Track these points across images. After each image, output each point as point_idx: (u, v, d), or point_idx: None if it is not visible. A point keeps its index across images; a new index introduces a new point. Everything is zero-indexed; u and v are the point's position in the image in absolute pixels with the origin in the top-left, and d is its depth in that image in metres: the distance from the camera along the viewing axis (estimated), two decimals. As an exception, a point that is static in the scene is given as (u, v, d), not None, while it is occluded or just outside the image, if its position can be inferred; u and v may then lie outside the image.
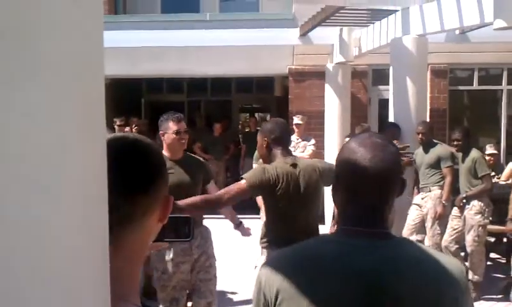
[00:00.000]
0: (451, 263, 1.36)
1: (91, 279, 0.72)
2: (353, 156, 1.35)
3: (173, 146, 3.93)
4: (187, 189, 3.71)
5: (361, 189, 1.36)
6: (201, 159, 4.50)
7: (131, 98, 12.39)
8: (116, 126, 9.61)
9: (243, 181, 3.28)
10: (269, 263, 1.44)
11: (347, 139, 5.43)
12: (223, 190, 3.41)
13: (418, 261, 1.32)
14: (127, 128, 9.58)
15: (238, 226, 4.30)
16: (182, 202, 3.16)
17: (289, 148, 3.60)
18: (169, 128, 3.94)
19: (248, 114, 15.09)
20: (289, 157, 3.44)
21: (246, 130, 12.80)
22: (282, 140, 3.47)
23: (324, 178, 3.40)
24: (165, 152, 3.92)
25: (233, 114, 14.07)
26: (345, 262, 1.31)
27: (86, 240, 0.70)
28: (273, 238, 3.39)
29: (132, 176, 0.97)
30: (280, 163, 3.35)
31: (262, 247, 3.51)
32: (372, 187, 1.35)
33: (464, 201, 5.83)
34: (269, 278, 1.35)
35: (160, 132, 4.01)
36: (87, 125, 0.70)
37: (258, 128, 11.09)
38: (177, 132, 3.92)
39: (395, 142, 6.47)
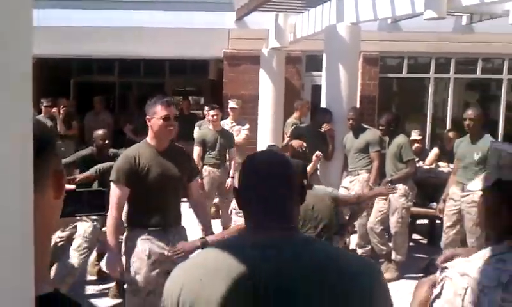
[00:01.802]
0: (358, 261, 1.41)
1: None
2: (257, 168, 1.49)
3: (159, 134, 3.47)
4: (172, 182, 3.52)
5: (258, 197, 1.44)
6: (187, 152, 4.00)
7: (60, 78, 11.97)
8: (42, 107, 9.28)
9: None
10: (171, 276, 1.46)
11: (351, 113, 5.38)
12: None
13: (320, 261, 1.33)
14: (54, 109, 9.27)
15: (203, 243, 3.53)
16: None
17: None
18: (157, 113, 3.45)
19: (181, 97, 14.93)
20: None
21: (179, 112, 12.66)
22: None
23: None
24: (150, 140, 3.54)
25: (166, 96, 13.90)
26: (241, 262, 1.32)
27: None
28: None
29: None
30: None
31: None
32: (267, 194, 1.43)
33: (389, 184, 6.02)
34: (172, 286, 1.40)
35: (147, 117, 3.52)
36: (12, 106, 0.68)
37: (192, 111, 11.01)
38: (165, 118, 3.43)
39: (325, 126, 6.64)
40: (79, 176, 5.26)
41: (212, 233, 3.74)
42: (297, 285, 1.27)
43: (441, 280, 1.54)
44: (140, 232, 3.49)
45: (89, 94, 11.32)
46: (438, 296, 1.53)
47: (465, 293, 1.45)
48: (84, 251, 4.89)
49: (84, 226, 4.85)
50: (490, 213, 1.58)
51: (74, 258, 4.90)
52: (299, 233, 1.45)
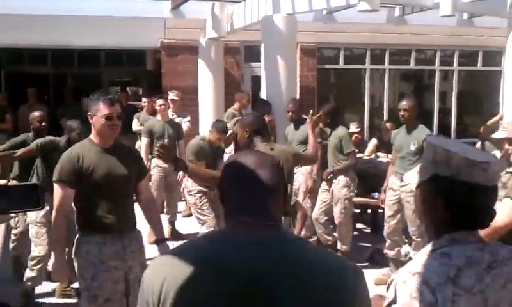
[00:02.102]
0: (339, 260, 1.41)
1: None
2: (237, 162, 1.47)
3: (102, 133, 3.27)
4: (119, 182, 3.32)
5: (247, 186, 1.42)
6: (136, 149, 3.96)
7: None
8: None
9: None
10: (151, 265, 1.42)
11: (291, 105, 5.61)
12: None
13: (306, 259, 1.33)
14: (-16, 102, 8.87)
15: (159, 242, 3.60)
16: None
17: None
18: (99, 111, 3.23)
19: (119, 88, 14.58)
20: (269, 144, 4.02)
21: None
22: (262, 130, 4.00)
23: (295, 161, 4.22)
24: (93, 138, 3.33)
25: (103, 87, 13.51)
26: (223, 260, 1.31)
27: None
28: None
29: None
30: (262, 148, 3.77)
31: None
32: (257, 183, 1.41)
33: (331, 175, 6.10)
34: (153, 276, 1.36)
35: (89, 113, 3.31)
36: None
37: (130, 102, 10.77)
38: (108, 117, 3.23)
39: (266, 117, 6.63)
40: (20, 151, 5.06)
41: (163, 235, 3.62)
42: (282, 284, 1.26)
43: (391, 282, 1.54)
44: (92, 237, 3.29)
45: (22, 86, 10.87)
46: (394, 301, 1.50)
47: (421, 295, 1.46)
48: (44, 235, 4.86)
49: (34, 213, 4.73)
50: (427, 206, 1.61)
51: (38, 246, 4.88)
52: (283, 231, 1.43)
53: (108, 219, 3.29)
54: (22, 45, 10.38)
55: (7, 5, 8.79)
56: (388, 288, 1.55)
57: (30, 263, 4.92)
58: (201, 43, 9.42)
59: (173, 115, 7.99)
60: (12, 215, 1.16)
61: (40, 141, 5.05)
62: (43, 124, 5.44)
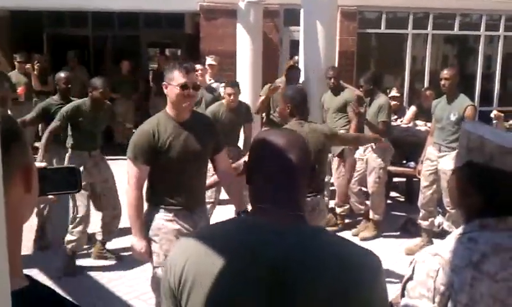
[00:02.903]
0: (360, 253, 1.38)
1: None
2: (263, 147, 1.45)
3: (177, 104, 3.09)
4: (194, 159, 3.18)
5: (268, 173, 1.41)
6: (213, 123, 3.58)
7: (32, 32, 11.64)
8: (16, 63, 9.05)
9: None
10: (176, 246, 1.44)
11: (331, 72, 5.77)
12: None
13: (326, 251, 1.33)
14: (28, 65, 9.04)
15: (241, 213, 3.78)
16: None
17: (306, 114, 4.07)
18: (174, 80, 3.04)
19: (157, 49, 14.63)
20: (301, 122, 3.93)
21: (155, 68, 12.46)
22: (302, 106, 3.99)
23: (329, 141, 4.04)
24: (168, 110, 3.16)
25: (141, 50, 13.62)
26: (247, 245, 1.31)
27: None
28: None
29: None
30: (294, 126, 3.81)
31: None
32: (285, 172, 1.40)
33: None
34: (176, 257, 1.36)
35: (163, 83, 3.12)
36: None
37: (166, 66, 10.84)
38: (183, 86, 3.03)
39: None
40: (46, 132, 5.07)
41: (242, 207, 3.35)
42: (301, 274, 1.27)
43: (411, 263, 1.56)
44: (164, 212, 3.18)
45: (63, 48, 11.06)
46: (411, 278, 1.53)
47: (437, 275, 1.47)
48: (85, 195, 5.01)
49: None
50: (460, 192, 1.60)
51: (78, 206, 5.00)
52: (306, 221, 1.41)
53: (180, 196, 3.17)
54: (63, 7, 10.49)
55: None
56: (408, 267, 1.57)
57: (70, 226, 5.00)
58: (240, 6, 9.33)
59: (210, 80, 8.00)
60: (50, 196, 1.19)
61: (63, 111, 4.98)
62: (69, 85, 5.51)
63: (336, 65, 8.45)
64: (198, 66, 7.16)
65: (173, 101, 3.10)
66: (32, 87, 8.91)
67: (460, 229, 1.57)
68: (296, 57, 7.61)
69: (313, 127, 4.00)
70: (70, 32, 12.81)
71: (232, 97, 6.07)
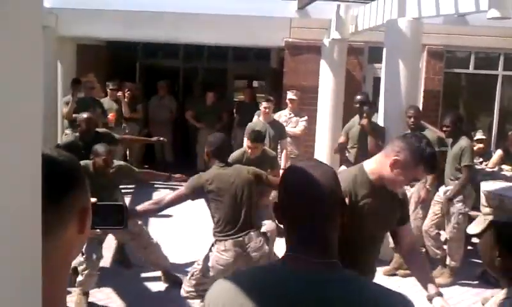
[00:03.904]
0: (395, 301, 1.36)
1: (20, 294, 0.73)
2: (293, 186, 1.41)
3: (396, 185, 2.62)
4: (381, 228, 2.78)
5: (303, 218, 1.38)
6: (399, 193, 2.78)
7: (126, 61, 12.32)
8: (108, 90, 9.60)
9: (183, 188, 4.17)
10: (214, 288, 1.45)
11: (358, 97, 5.83)
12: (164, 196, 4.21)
13: (364, 298, 1.32)
14: (120, 93, 9.56)
15: (169, 178, 5.09)
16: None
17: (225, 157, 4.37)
18: (416, 170, 2.56)
19: (246, 81, 14.92)
20: (223, 164, 4.24)
21: (240, 99, 12.76)
22: (219, 151, 4.27)
23: (253, 179, 4.22)
24: (374, 172, 2.61)
25: (228, 82, 14.01)
26: (281, 293, 1.31)
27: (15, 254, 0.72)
28: (217, 231, 4.15)
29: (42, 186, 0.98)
30: (214, 168, 4.21)
31: (214, 238, 4.21)
32: (313, 215, 1.37)
33: (450, 198, 5.81)
34: (213, 301, 1.39)
35: (396, 156, 2.53)
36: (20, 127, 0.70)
37: (256, 99, 11.08)
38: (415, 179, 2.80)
39: (364, 120, 6.51)
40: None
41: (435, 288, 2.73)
42: None
43: None
44: None
45: (155, 78, 11.61)
46: None
47: None
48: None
49: None
50: (489, 256, 1.55)
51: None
52: (340, 268, 1.39)
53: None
54: (157, 39, 11.04)
55: (144, 3, 9.43)
56: None
57: (80, 268, 4.93)
58: (324, 43, 9.43)
59: (290, 114, 8.11)
60: (97, 231, 1.26)
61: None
62: (90, 126, 5.78)
63: (420, 104, 8.33)
64: (264, 104, 7.29)
65: (396, 181, 2.55)
66: (122, 114, 9.40)
67: (503, 293, 1.52)
68: (358, 97, 7.50)
69: (238, 169, 4.28)
70: (162, 63, 13.41)
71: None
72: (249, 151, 5.78)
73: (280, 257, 1.46)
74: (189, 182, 4.20)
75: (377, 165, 2.59)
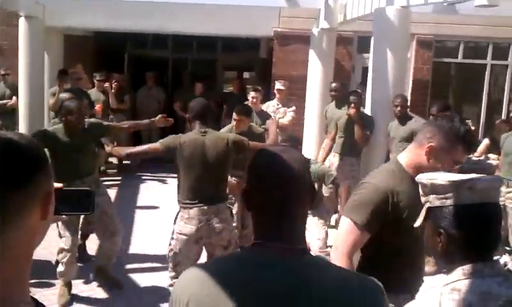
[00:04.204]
0: (365, 284, 1.34)
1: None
2: (261, 172, 1.38)
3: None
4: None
5: (271, 205, 1.35)
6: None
7: (114, 52, 12.22)
8: (95, 81, 9.53)
9: (158, 142, 4.14)
10: (181, 279, 1.43)
11: (334, 85, 5.47)
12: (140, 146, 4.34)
13: (328, 285, 1.30)
14: (107, 84, 9.49)
15: (150, 124, 5.22)
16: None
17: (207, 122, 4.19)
18: (455, 153, 2.38)
19: (236, 72, 14.83)
20: (203, 128, 4.09)
21: (229, 90, 12.72)
22: (199, 116, 4.15)
23: (232, 148, 4.09)
24: (411, 163, 2.42)
25: (218, 73, 13.95)
26: (249, 282, 1.29)
27: None
28: (183, 198, 4.03)
29: (3, 172, 0.94)
30: (193, 132, 4.10)
31: (179, 205, 4.10)
32: (281, 200, 1.34)
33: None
34: (180, 292, 1.37)
35: (432, 143, 2.34)
36: None
37: (245, 90, 11.02)
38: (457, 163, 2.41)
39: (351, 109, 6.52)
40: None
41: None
42: None
43: None
44: None
45: (144, 69, 11.53)
46: None
47: None
48: (70, 227, 4.84)
49: None
50: (431, 241, 1.54)
51: (63, 237, 4.85)
52: (308, 254, 1.37)
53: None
54: (145, 29, 10.96)
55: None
56: None
57: (58, 256, 4.88)
58: (313, 32, 9.40)
59: (278, 104, 8.08)
60: (63, 217, 1.25)
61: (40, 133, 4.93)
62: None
63: (409, 94, 8.33)
64: (252, 93, 7.23)
65: (432, 169, 2.18)
66: (109, 105, 9.34)
67: (441, 280, 1.50)
68: (333, 85, 7.79)
69: (216, 134, 4.17)
70: (151, 53, 13.33)
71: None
72: (235, 123, 5.61)
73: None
74: (166, 139, 4.12)
75: (412, 156, 2.40)
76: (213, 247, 4.07)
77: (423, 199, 1.56)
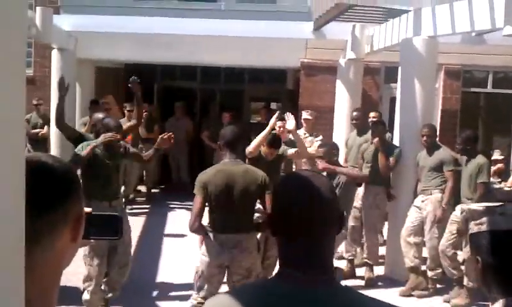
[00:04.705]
0: None
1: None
2: (288, 197, 1.33)
3: None
4: None
5: (299, 232, 1.30)
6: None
7: (144, 83, 12.41)
8: (126, 111, 9.68)
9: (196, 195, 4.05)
10: (208, 303, 1.42)
11: (355, 113, 5.53)
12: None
13: None
14: (137, 114, 9.63)
15: (157, 147, 5.21)
16: None
17: (237, 150, 4.18)
18: None
19: (263, 103, 14.88)
20: (234, 157, 4.11)
21: (256, 120, 12.78)
22: (230, 143, 4.15)
23: (264, 187, 4.07)
24: None
25: (244, 104, 14.06)
26: None
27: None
28: (208, 223, 4.13)
29: (36, 193, 0.95)
30: (222, 163, 4.13)
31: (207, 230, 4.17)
32: (310, 226, 1.30)
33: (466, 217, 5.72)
34: None
35: None
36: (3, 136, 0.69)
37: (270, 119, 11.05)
38: None
39: (376, 140, 6.48)
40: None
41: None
42: None
43: None
44: None
45: (173, 99, 11.70)
46: None
47: None
48: (95, 258, 4.82)
49: None
50: (473, 272, 1.53)
51: (88, 266, 4.84)
52: (336, 285, 1.30)
53: None
54: (174, 62, 11.14)
55: (161, 25, 9.58)
56: None
57: (84, 284, 4.90)
58: (340, 63, 9.44)
59: (305, 134, 8.08)
60: (91, 241, 1.26)
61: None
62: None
63: (438, 124, 8.26)
64: (279, 123, 7.24)
65: None
66: (139, 135, 9.47)
67: None
68: (371, 114, 7.92)
69: (247, 168, 4.14)
70: (179, 84, 13.52)
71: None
72: (266, 152, 5.68)
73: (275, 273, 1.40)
74: (196, 186, 4.08)
75: None
76: (231, 275, 4.13)
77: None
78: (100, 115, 5.79)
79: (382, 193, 6.67)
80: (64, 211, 1.01)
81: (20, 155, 0.75)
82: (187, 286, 5.60)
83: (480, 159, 5.84)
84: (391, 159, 6.48)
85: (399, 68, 7.09)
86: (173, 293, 5.74)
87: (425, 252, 6.25)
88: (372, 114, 7.95)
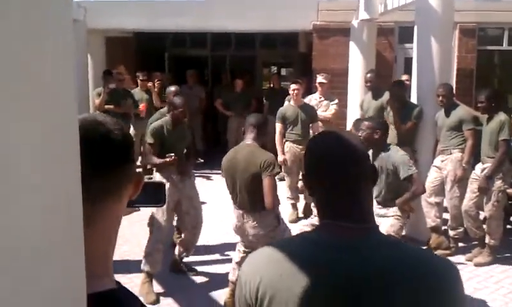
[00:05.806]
0: (440, 266, 1.30)
1: (66, 261, 0.73)
2: (324, 150, 1.38)
3: None
4: None
5: (337, 181, 1.34)
6: None
7: (155, 52, 12.38)
8: (139, 81, 9.65)
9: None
10: (250, 260, 1.43)
11: (368, 75, 5.52)
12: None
13: (402, 263, 1.27)
14: (150, 83, 9.61)
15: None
16: None
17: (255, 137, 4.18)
18: None
19: (275, 68, 14.82)
20: (249, 141, 4.16)
21: (269, 86, 12.71)
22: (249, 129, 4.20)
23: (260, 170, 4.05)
24: None
25: (257, 69, 13.97)
26: (322, 264, 1.28)
27: (59, 221, 0.71)
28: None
29: (111, 152, 1.01)
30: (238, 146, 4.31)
31: None
32: (348, 177, 1.34)
33: (488, 175, 5.66)
34: (250, 273, 1.36)
35: None
36: (55, 101, 0.69)
37: (282, 85, 11.02)
38: None
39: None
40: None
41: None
42: (377, 290, 1.23)
43: None
44: None
45: (183, 67, 11.64)
46: None
47: None
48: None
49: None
50: None
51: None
52: (377, 232, 1.34)
53: None
54: (184, 29, 11.06)
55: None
56: None
57: (146, 244, 5.06)
58: (353, 25, 9.31)
59: (320, 98, 8.04)
60: (136, 209, 1.28)
61: (151, 130, 5.20)
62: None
63: (454, 83, 8.16)
64: (292, 86, 7.22)
65: None
66: (153, 104, 9.45)
67: None
68: (403, 77, 7.78)
69: (255, 152, 4.11)
70: (190, 52, 13.44)
71: (296, 92, 6.96)
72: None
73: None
74: (222, 169, 4.29)
75: None
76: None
77: None
78: (172, 88, 6.18)
79: (411, 152, 6.60)
80: (130, 170, 1.06)
81: (73, 120, 0.75)
82: (214, 249, 5.69)
83: (502, 116, 5.76)
84: (409, 122, 6.41)
85: (415, 28, 6.96)
86: (196, 258, 5.75)
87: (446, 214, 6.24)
88: (404, 77, 7.90)
